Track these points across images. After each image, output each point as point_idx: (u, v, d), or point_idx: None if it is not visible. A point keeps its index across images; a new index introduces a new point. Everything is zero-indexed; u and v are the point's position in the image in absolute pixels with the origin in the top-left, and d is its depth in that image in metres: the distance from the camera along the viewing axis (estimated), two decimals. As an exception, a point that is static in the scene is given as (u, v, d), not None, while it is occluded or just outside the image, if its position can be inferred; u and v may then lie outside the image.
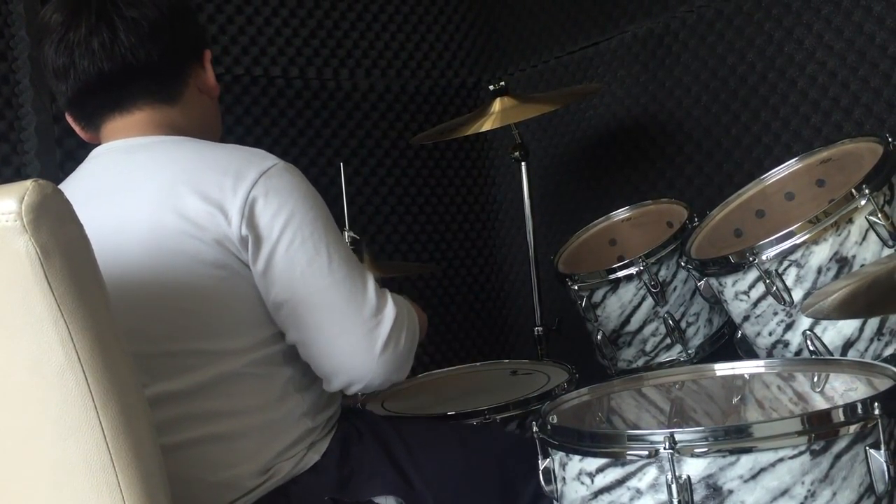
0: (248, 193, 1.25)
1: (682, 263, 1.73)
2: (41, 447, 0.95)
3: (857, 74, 2.09)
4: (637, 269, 1.90)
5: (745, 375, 1.45)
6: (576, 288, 2.00)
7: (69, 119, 1.42)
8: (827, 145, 1.76)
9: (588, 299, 1.99)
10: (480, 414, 1.67)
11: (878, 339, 1.49)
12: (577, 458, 1.18)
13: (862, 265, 1.47)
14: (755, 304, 1.58)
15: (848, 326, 1.50)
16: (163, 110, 1.38)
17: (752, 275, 1.55)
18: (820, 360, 1.44)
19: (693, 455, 1.08)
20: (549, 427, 1.25)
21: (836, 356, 1.51)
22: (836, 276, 1.47)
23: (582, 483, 1.17)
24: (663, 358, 1.96)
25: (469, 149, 3.12)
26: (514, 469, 1.43)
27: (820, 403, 1.31)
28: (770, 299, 1.54)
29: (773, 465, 1.07)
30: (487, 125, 2.20)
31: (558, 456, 1.22)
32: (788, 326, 1.55)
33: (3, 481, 1.01)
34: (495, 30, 3.12)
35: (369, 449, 1.40)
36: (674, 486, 1.08)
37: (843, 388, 1.31)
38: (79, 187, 1.35)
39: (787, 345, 1.57)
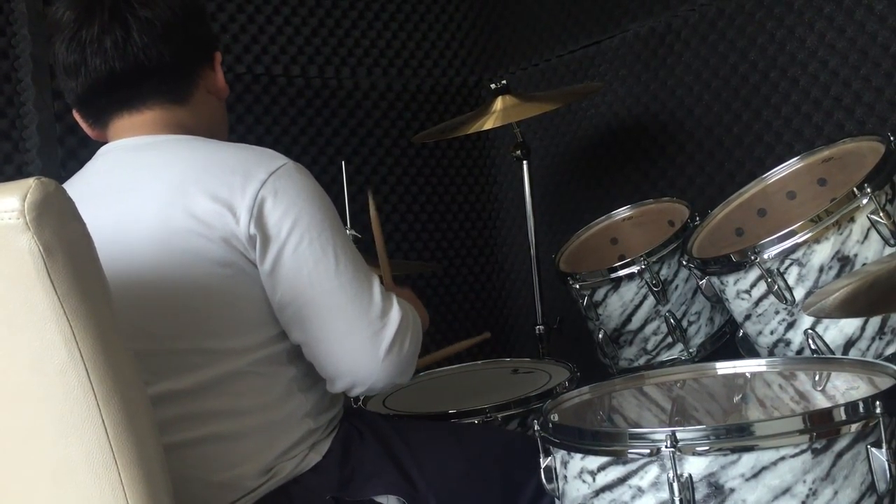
0: (257, 193, 1.25)
1: (684, 262, 1.73)
2: (43, 445, 0.95)
3: (859, 73, 2.09)
4: (638, 268, 1.90)
5: (747, 374, 1.45)
6: (577, 287, 2.00)
7: (77, 116, 1.42)
8: (829, 144, 1.76)
9: (589, 298, 1.99)
10: (482, 412, 1.68)
11: (880, 338, 1.49)
12: (578, 456, 1.18)
13: (863, 264, 1.47)
14: (757, 303, 1.58)
15: (849, 325, 1.50)
16: (172, 110, 1.38)
17: (754, 274, 1.55)
18: (821, 359, 1.44)
19: (694, 453, 1.08)
20: (550, 425, 1.25)
21: (838, 355, 1.51)
22: (838, 275, 1.47)
23: (583, 481, 1.18)
24: (665, 357, 1.96)
25: (470, 147, 3.12)
26: (515, 468, 1.42)
27: (821, 402, 1.31)
28: (771, 298, 1.54)
29: (774, 463, 1.07)
30: (489, 124, 2.21)
31: (559, 454, 1.22)
32: (790, 325, 1.55)
33: (5, 479, 1.01)
34: (497, 28, 3.11)
35: (370, 448, 1.39)
36: (675, 485, 1.08)
37: (845, 387, 1.31)
38: (86, 184, 1.35)
39: (788, 344, 1.57)
